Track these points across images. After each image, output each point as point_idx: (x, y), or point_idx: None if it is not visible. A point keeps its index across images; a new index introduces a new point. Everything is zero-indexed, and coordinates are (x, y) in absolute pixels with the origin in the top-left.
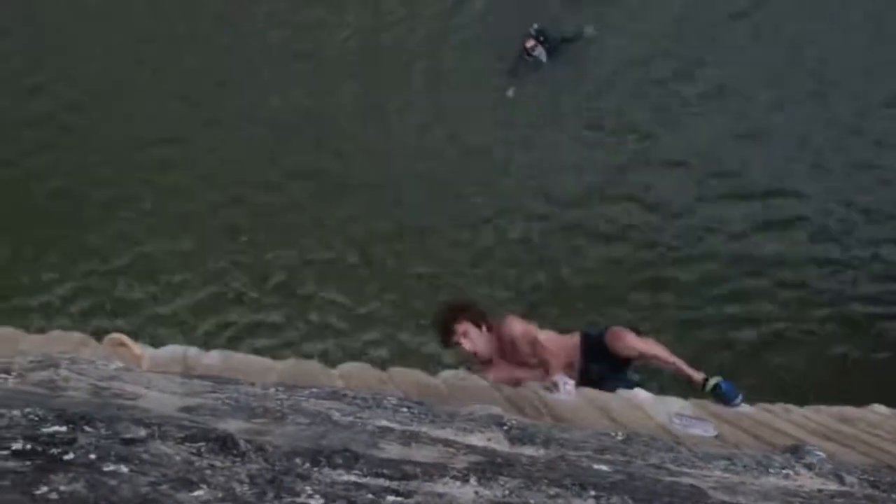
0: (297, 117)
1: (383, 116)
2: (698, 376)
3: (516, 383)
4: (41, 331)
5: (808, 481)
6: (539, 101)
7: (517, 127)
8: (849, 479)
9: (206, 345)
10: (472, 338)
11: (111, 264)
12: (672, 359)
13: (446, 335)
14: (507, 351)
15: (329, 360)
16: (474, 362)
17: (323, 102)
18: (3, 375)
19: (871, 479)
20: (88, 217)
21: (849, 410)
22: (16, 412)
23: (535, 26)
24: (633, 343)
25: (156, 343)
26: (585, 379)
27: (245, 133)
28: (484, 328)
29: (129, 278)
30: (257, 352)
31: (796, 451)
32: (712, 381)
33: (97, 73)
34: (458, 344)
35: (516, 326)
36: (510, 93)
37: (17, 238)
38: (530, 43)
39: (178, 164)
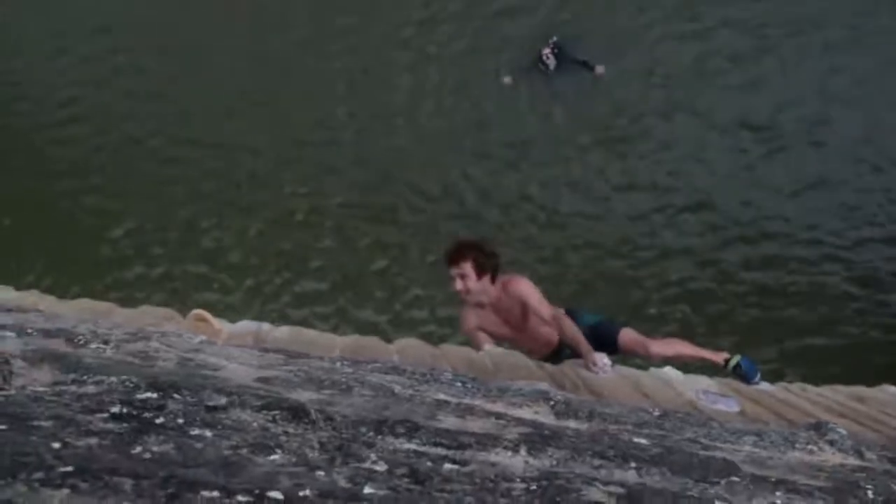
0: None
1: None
2: (720, 357)
3: (512, 342)
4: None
5: (831, 457)
6: (535, 93)
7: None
8: (868, 454)
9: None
10: (468, 279)
11: (194, 224)
12: (693, 351)
13: (449, 265)
14: (504, 307)
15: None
16: (466, 301)
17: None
18: (103, 346)
19: (890, 455)
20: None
21: (862, 390)
22: (113, 379)
23: (555, 38)
24: (657, 350)
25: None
26: (555, 354)
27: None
28: (487, 277)
29: (209, 236)
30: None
31: (819, 427)
32: (734, 360)
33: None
34: (452, 279)
35: (529, 292)
36: (507, 80)
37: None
38: (546, 50)
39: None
